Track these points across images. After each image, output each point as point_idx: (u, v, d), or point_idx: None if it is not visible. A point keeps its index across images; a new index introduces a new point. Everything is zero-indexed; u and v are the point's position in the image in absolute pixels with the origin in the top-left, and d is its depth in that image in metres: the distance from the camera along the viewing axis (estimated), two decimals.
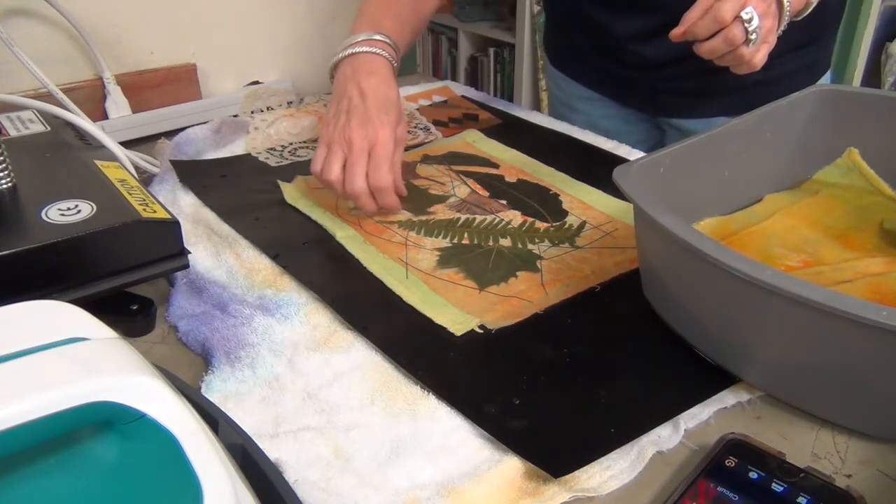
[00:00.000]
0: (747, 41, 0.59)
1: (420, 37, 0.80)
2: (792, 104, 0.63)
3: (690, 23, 0.61)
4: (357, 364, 0.49)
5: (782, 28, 0.63)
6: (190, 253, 0.57)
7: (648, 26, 0.77)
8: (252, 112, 0.91)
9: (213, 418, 0.38)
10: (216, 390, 0.46)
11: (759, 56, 0.61)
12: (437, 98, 0.97)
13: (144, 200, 0.55)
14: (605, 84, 0.88)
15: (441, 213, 0.68)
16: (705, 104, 0.82)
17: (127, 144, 0.79)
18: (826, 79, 0.84)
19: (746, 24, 0.59)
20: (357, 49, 0.69)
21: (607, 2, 0.79)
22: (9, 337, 0.29)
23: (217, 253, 0.61)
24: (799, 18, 0.65)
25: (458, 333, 0.51)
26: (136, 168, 0.73)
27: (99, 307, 0.36)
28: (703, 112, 0.83)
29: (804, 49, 0.79)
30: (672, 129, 0.89)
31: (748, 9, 0.58)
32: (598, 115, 0.92)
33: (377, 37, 0.69)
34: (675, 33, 0.62)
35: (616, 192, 0.62)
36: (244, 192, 0.71)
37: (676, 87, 0.82)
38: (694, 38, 0.62)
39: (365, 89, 0.66)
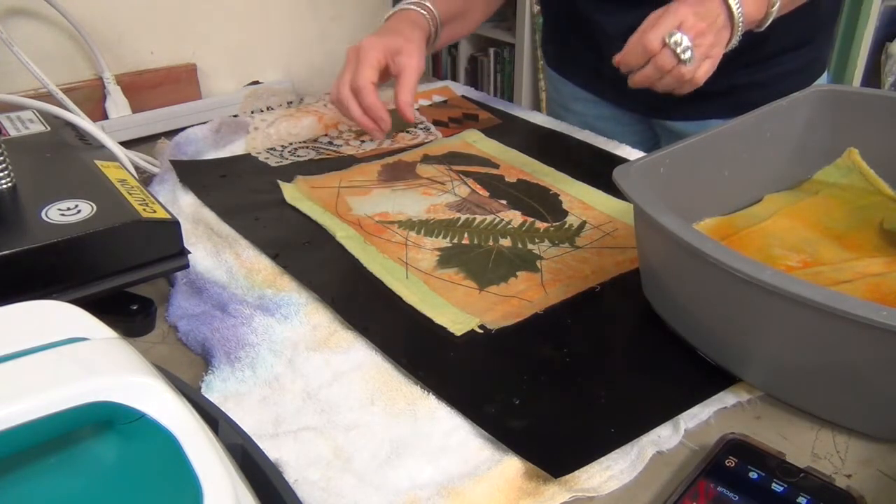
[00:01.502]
0: (681, 62, 0.60)
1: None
2: (792, 104, 0.63)
3: (624, 52, 0.63)
4: (357, 364, 0.49)
5: (736, 39, 0.63)
6: (190, 253, 0.57)
7: (639, 23, 0.77)
8: (252, 112, 0.91)
9: (213, 418, 0.38)
10: (216, 390, 0.46)
11: (700, 72, 0.61)
12: (437, 98, 0.97)
13: (144, 200, 0.55)
14: (600, 85, 0.89)
15: (441, 213, 0.68)
16: (699, 106, 0.82)
17: (127, 144, 0.79)
18: (823, 80, 0.84)
19: (675, 48, 0.59)
20: (399, 7, 0.76)
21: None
22: (9, 337, 0.29)
23: (217, 253, 0.61)
24: (761, 28, 0.65)
25: (458, 333, 0.51)
26: (136, 168, 0.73)
27: (99, 307, 0.36)
28: (697, 114, 0.83)
29: (798, 51, 0.79)
30: (666, 131, 0.89)
31: (675, 33, 0.59)
32: (593, 116, 0.92)
33: (420, 1, 0.76)
34: (615, 61, 0.64)
35: (616, 192, 0.62)
36: (244, 192, 0.71)
37: None
38: (629, 69, 0.63)
39: (383, 25, 0.74)
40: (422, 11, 0.76)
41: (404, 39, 0.71)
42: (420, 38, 0.73)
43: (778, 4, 0.63)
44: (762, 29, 0.65)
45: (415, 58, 0.70)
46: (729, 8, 0.61)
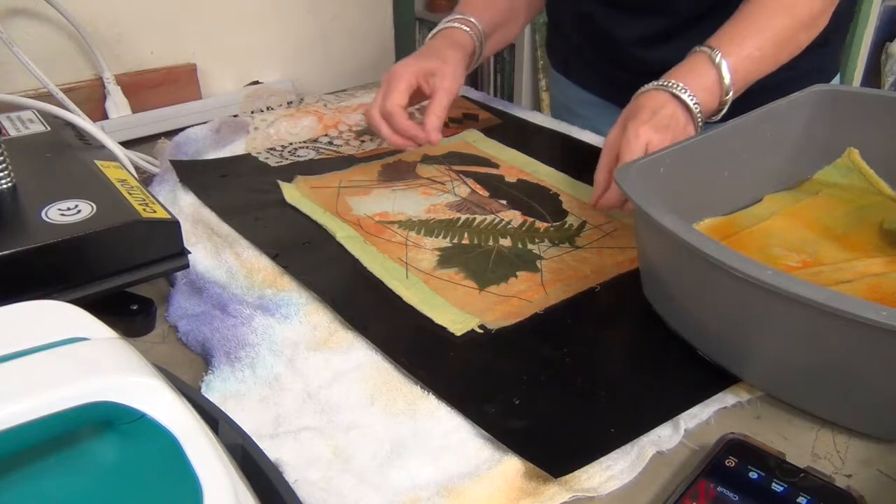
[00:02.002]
0: None
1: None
2: (792, 104, 0.63)
3: (599, 195, 0.62)
4: (357, 364, 0.49)
5: (699, 131, 0.62)
6: (190, 253, 0.57)
7: (651, 31, 0.77)
8: (252, 112, 0.91)
9: (213, 418, 0.38)
10: (216, 390, 0.46)
11: None
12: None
13: (144, 200, 0.55)
14: (608, 88, 0.88)
15: (441, 213, 0.68)
16: None
17: (127, 144, 0.79)
18: (836, 81, 0.84)
19: None
20: (442, 26, 0.77)
21: (612, 6, 0.79)
22: (9, 337, 0.29)
23: (217, 253, 0.61)
24: (718, 118, 0.64)
25: (458, 333, 0.51)
26: (136, 168, 0.73)
27: (99, 307, 0.36)
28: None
29: (810, 53, 0.77)
30: None
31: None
32: (601, 120, 0.92)
33: (461, 16, 0.77)
34: (591, 205, 0.64)
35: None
36: (244, 192, 0.71)
37: None
38: (610, 209, 0.63)
39: (426, 44, 0.75)
40: (465, 28, 0.76)
41: (440, 61, 0.71)
42: (458, 59, 0.73)
43: (731, 93, 0.62)
44: (717, 118, 0.64)
45: (447, 80, 0.71)
46: (686, 106, 0.61)
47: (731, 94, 0.62)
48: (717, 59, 0.61)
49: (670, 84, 0.61)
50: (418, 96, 0.73)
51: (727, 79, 0.61)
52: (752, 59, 0.62)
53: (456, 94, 0.72)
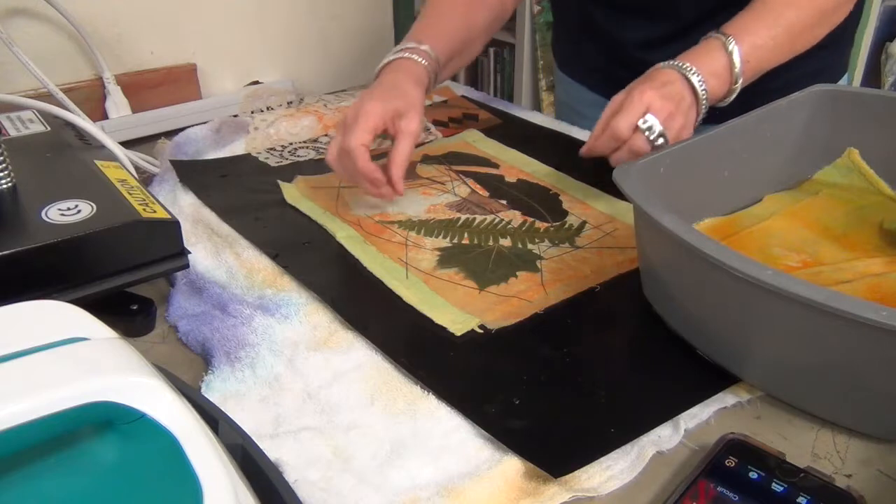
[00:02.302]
0: (653, 146, 0.60)
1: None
2: (791, 104, 0.63)
3: (592, 140, 0.63)
4: (357, 364, 0.49)
5: (701, 116, 0.63)
6: (190, 253, 0.57)
7: (657, 33, 0.77)
8: (252, 112, 0.91)
9: (213, 418, 0.38)
10: (216, 390, 0.46)
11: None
12: (437, 98, 0.97)
13: (144, 200, 0.55)
14: (614, 89, 0.88)
15: (441, 213, 0.68)
16: (713, 109, 0.82)
17: (127, 144, 0.79)
18: (843, 82, 0.83)
19: (647, 133, 0.60)
20: (392, 56, 0.71)
21: (617, 9, 0.79)
22: (9, 337, 0.29)
23: (217, 253, 0.61)
24: (725, 104, 0.65)
25: (458, 333, 0.51)
26: (136, 168, 0.73)
27: (99, 307, 0.36)
28: (715, 118, 0.83)
29: (818, 54, 0.77)
30: None
31: (647, 117, 0.59)
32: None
33: (415, 45, 0.71)
34: (581, 152, 0.64)
35: (616, 192, 0.62)
36: (244, 192, 0.71)
37: None
38: (600, 155, 0.63)
39: (380, 80, 0.68)
40: (420, 60, 0.70)
41: (405, 102, 0.66)
42: (420, 97, 0.68)
43: (741, 80, 0.63)
44: (725, 104, 0.65)
45: (414, 122, 0.66)
46: (693, 87, 0.61)
47: (740, 81, 0.62)
48: (730, 47, 0.61)
49: (682, 65, 0.62)
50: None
51: (738, 66, 0.62)
52: (766, 49, 0.63)
53: (419, 135, 0.67)
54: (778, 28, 0.63)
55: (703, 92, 0.61)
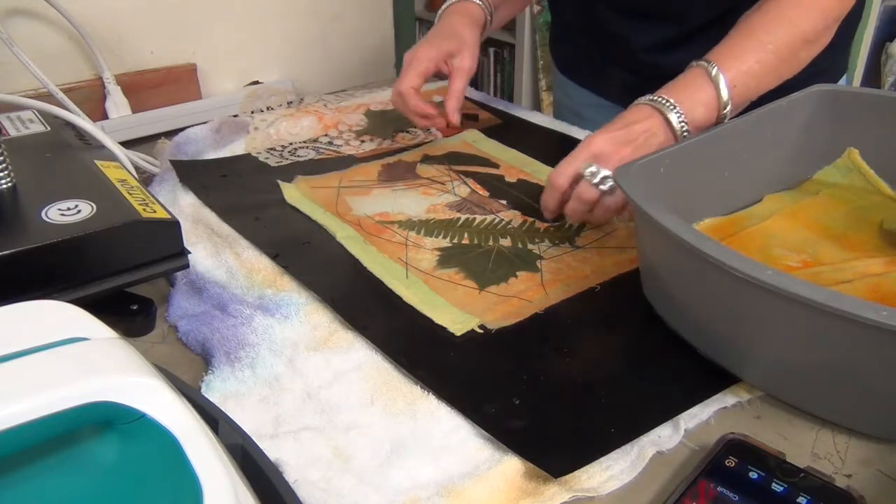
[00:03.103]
0: (603, 193, 0.59)
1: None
2: (792, 104, 0.63)
3: (543, 197, 0.63)
4: (357, 364, 0.49)
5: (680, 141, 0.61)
6: (190, 253, 0.57)
7: (665, 37, 0.77)
8: (252, 112, 0.91)
9: (213, 418, 0.38)
10: (216, 390, 0.46)
11: (620, 195, 0.59)
12: (437, 98, 0.97)
13: (144, 200, 0.55)
14: (619, 91, 0.88)
15: (441, 213, 0.68)
16: None
17: (127, 144, 0.79)
18: (843, 82, 0.83)
19: (590, 178, 0.59)
20: (451, 1, 0.80)
21: (624, 12, 0.79)
22: (9, 337, 0.29)
23: (217, 253, 0.61)
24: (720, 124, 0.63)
25: (458, 333, 0.51)
26: (136, 168, 0.73)
27: (99, 307, 0.36)
28: None
29: (820, 53, 0.77)
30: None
31: (591, 167, 0.58)
32: (602, 120, 0.91)
33: None
34: (544, 214, 0.64)
35: None
36: (244, 192, 0.71)
37: None
38: (553, 213, 0.63)
39: (437, 25, 0.78)
40: (476, 1, 0.78)
41: (459, 41, 0.75)
42: (474, 37, 0.77)
43: (730, 107, 0.61)
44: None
45: (467, 60, 0.75)
46: (669, 123, 0.60)
47: (728, 108, 0.61)
48: (714, 73, 0.60)
49: (661, 100, 0.61)
50: (438, 74, 0.78)
51: (724, 94, 0.60)
52: (752, 74, 0.61)
53: (474, 72, 0.76)
54: (764, 51, 0.62)
55: (683, 126, 0.60)
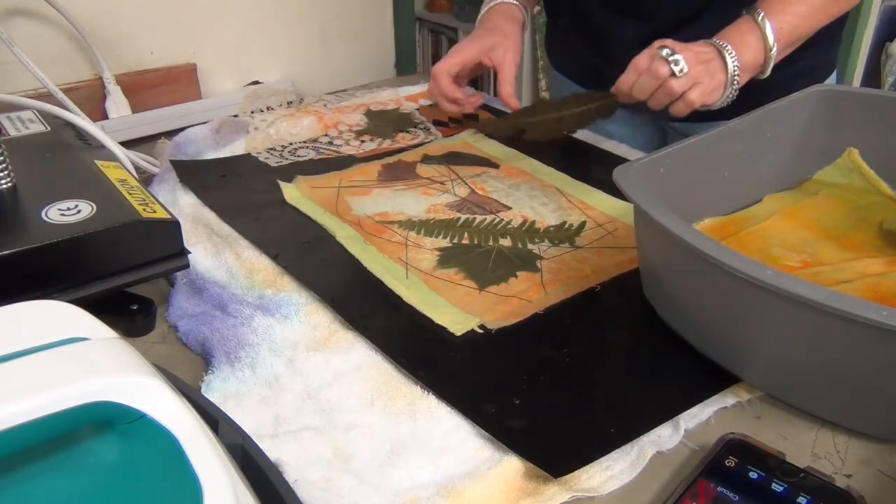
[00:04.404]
0: (673, 74, 0.65)
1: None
2: (792, 104, 0.63)
3: (619, 80, 0.69)
4: (357, 364, 0.49)
5: (733, 89, 0.67)
6: (190, 253, 0.57)
7: (650, 32, 0.77)
8: (252, 112, 0.91)
9: (213, 418, 0.38)
10: (216, 390, 0.46)
11: (693, 94, 0.66)
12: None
13: (144, 200, 0.55)
14: (608, 87, 0.89)
15: (441, 213, 0.68)
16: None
17: (127, 144, 0.79)
18: (832, 80, 0.84)
19: (668, 57, 0.65)
20: (494, 2, 0.84)
21: (610, 8, 0.79)
22: (9, 337, 0.29)
23: (217, 253, 0.61)
24: (765, 74, 0.68)
25: (458, 333, 0.51)
26: (136, 168, 0.73)
27: (99, 307, 0.36)
28: (705, 116, 0.83)
29: (805, 53, 0.78)
30: (675, 132, 0.89)
31: (667, 49, 0.65)
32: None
33: None
34: (614, 89, 0.71)
35: (616, 192, 0.62)
36: (244, 192, 0.71)
37: None
38: (627, 96, 0.70)
39: (480, 25, 0.83)
40: (515, 3, 0.82)
41: (501, 36, 0.79)
42: (516, 32, 0.81)
43: (775, 48, 0.66)
44: (766, 74, 0.68)
45: (510, 53, 0.79)
46: (723, 57, 0.65)
47: (774, 50, 0.66)
48: (760, 19, 0.66)
49: (719, 43, 0.66)
50: (477, 69, 0.82)
51: (770, 38, 0.66)
52: (800, 15, 0.67)
53: (518, 64, 0.79)
54: (805, 4, 0.67)
55: (735, 70, 0.65)
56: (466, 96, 0.81)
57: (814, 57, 0.79)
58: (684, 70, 0.64)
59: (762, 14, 0.66)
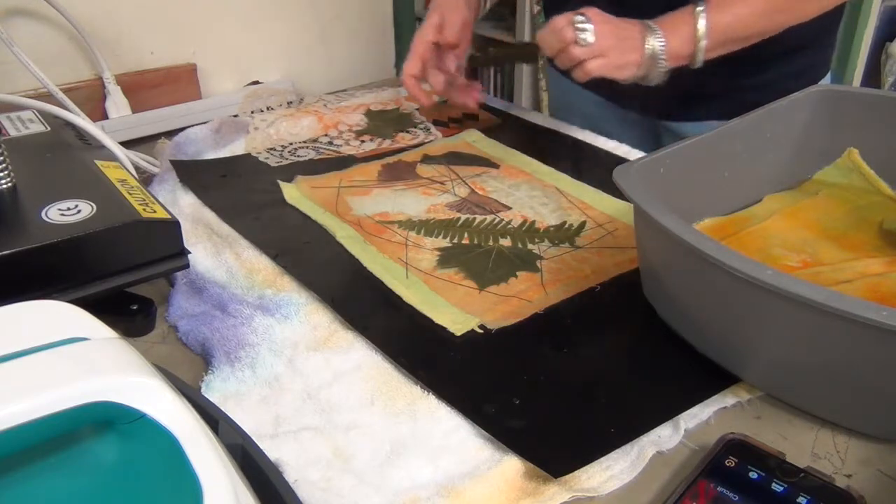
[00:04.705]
0: (577, 42, 0.67)
1: None
2: (792, 104, 0.63)
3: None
4: (357, 364, 0.49)
5: (659, 72, 0.68)
6: (190, 253, 0.57)
7: None
8: (252, 112, 0.91)
9: (213, 418, 0.38)
10: (216, 390, 0.46)
11: (592, 64, 0.68)
12: (437, 98, 0.97)
13: (144, 200, 0.55)
14: (602, 85, 0.89)
15: (441, 213, 0.68)
16: (699, 107, 0.82)
17: (127, 144, 0.79)
18: (826, 81, 0.84)
19: (575, 24, 0.67)
20: None
21: (608, 9, 0.80)
22: (9, 337, 0.29)
23: (217, 253, 0.61)
24: (696, 65, 0.69)
25: (458, 333, 0.51)
26: (136, 168, 0.73)
27: (99, 307, 0.36)
28: (696, 115, 0.83)
29: (799, 53, 0.78)
30: (667, 132, 0.89)
31: (580, 17, 0.67)
32: (597, 117, 0.92)
33: None
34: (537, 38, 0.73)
35: (616, 192, 0.62)
36: (244, 192, 0.71)
37: (670, 89, 0.82)
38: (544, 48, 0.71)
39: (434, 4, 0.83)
40: None
41: (441, 11, 0.80)
42: (460, 3, 0.81)
43: (704, 42, 0.67)
44: (697, 65, 0.69)
45: (455, 16, 0.80)
46: (645, 38, 0.67)
47: (703, 42, 0.67)
48: (697, 11, 0.67)
49: (651, 25, 0.68)
50: (449, 48, 0.82)
51: (701, 30, 0.67)
52: (739, 17, 0.67)
53: (469, 22, 0.81)
54: (754, 1, 0.67)
55: (662, 47, 0.67)
56: (463, 86, 0.83)
57: (805, 59, 0.79)
58: (588, 41, 0.66)
59: (702, 8, 0.67)
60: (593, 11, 0.68)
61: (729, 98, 0.78)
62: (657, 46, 0.67)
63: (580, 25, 0.67)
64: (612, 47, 0.67)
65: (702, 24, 0.66)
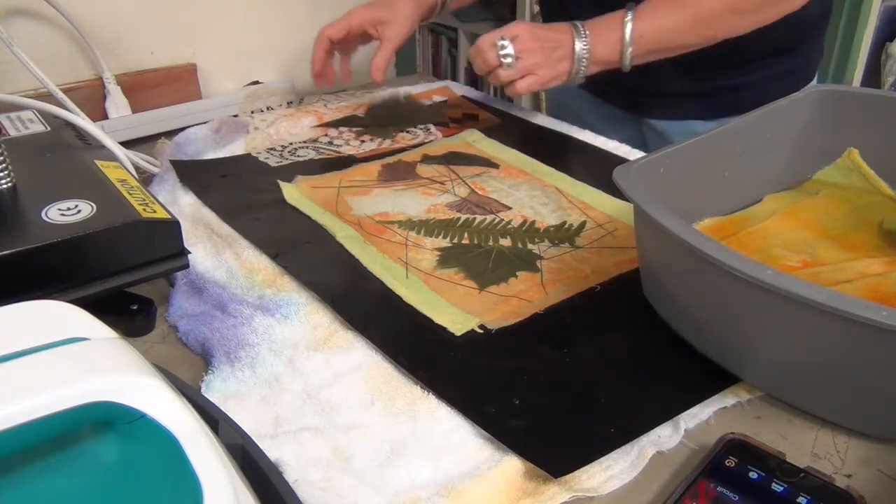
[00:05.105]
0: (501, 65, 0.70)
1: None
2: (792, 104, 0.63)
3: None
4: (357, 364, 0.49)
5: (577, 72, 0.71)
6: (190, 253, 0.57)
7: None
8: (252, 112, 0.91)
9: (213, 418, 0.38)
10: (216, 390, 0.46)
11: (521, 84, 0.71)
12: (437, 98, 0.97)
13: (144, 200, 0.55)
14: (591, 83, 0.90)
15: (441, 213, 0.68)
16: (679, 106, 0.83)
17: (127, 144, 0.79)
18: (813, 82, 0.84)
19: (499, 51, 0.69)
20: None
21: (592, 5, 0.80)
22: (9, 337, 0.29)
23: (217, 253, 0.61)
24: (625, 69, 0.71)
25: (458, 333, 0.51)
26: (136, 168, 0.73)
27: (99, 307, 0.36)
28: (677, 114, 0.83)
29: (780, 57, 0.79)
30: (651, 130, 0.89)
31: (503, 41, 0.69)
32: (587, 113, 0.93)
33: None
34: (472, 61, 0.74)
35: (616, 192, 0.62)
36: (244, 192, 0.71)
37: (653, 88, 0.83)
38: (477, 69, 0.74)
39: None
40: None
41: (391, 13, 0.81)
42: (409, 11, 0.82)
43: (631, 49, 0.69)
44: (626, 70, 0.71)
45: (394, 30, 0.81)
46: (573, 47, 0.69)
47: (630, 50, 0.69)
48: (626, 19, 0.69)
49: (583, 30, 0.70)
50: (365, 39, 0.85)
51: (628, 38, 0.69)
52: (665, 29, 0.69)
53: (402, 43, 0.82)
54: (680, 14, 0.68)
55: (584, 52, 0.69)
56: (332, 70, 0.84)
57: (791, 61, 0.80)
58: (512, 64, 0.68)
59: (630, 16, 0.68)
60: (521, 28, 0.69)
61: (710, 98, 0.78)
62: (582, 51, 0.69)
63: (503, 51, 0.68)
64: (539, 64, 0.69)
65: (628, 34, 0.68)
